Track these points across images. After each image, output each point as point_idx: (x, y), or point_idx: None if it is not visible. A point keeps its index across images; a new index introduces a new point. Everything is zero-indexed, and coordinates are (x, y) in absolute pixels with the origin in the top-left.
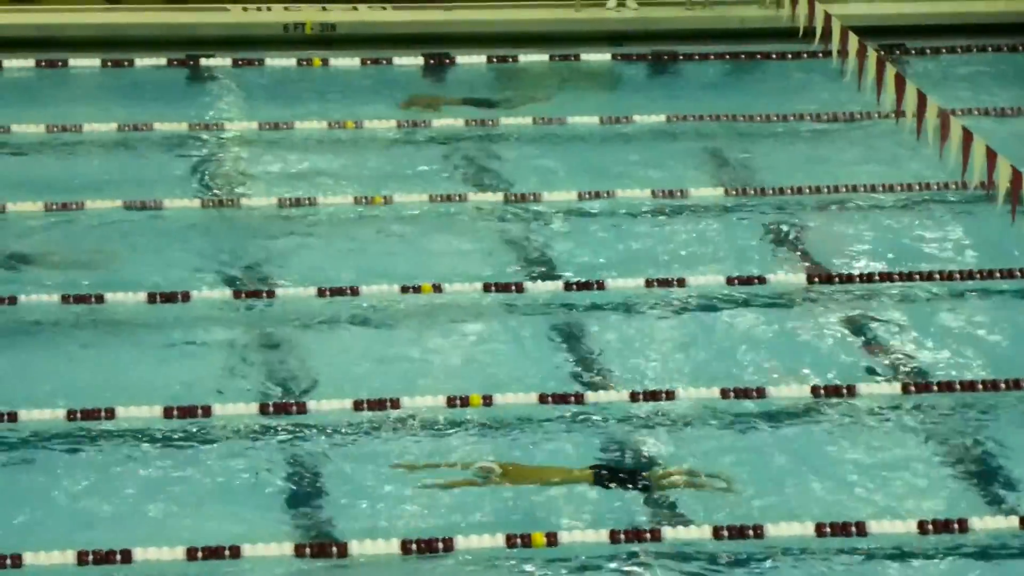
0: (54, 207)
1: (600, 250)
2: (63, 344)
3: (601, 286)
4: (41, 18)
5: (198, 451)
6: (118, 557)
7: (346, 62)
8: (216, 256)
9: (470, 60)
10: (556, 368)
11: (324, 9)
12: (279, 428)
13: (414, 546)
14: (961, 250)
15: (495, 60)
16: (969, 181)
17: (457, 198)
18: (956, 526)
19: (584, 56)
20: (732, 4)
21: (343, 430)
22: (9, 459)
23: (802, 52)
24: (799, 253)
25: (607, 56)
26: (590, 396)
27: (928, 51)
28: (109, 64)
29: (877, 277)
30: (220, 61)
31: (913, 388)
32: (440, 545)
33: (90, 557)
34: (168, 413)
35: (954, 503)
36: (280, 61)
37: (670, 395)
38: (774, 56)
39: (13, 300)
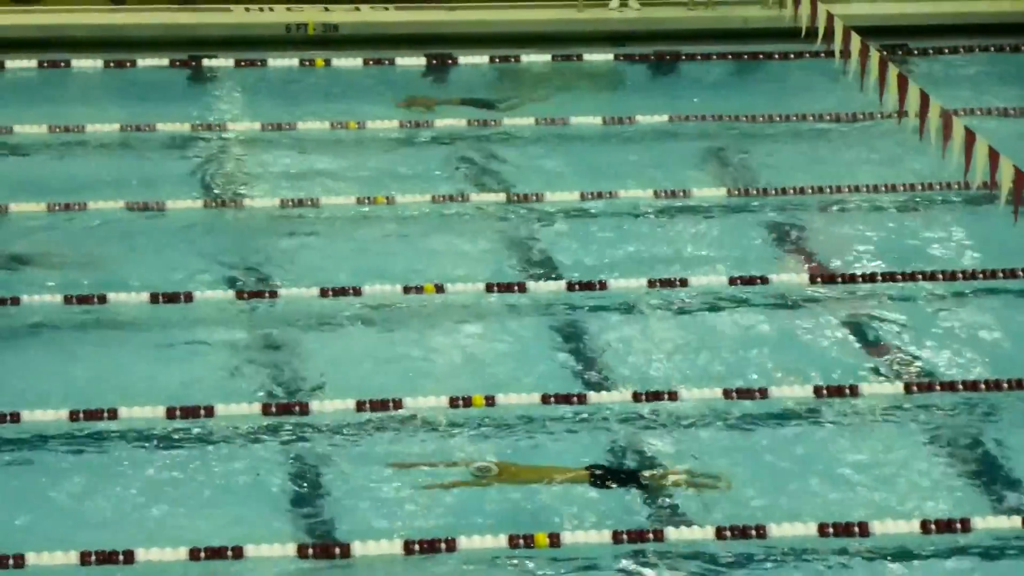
0: (56, 208)
1: (602, 250)
2: (66, 344)
3: (603, 286)
4: (43, 19)
5: (200, 451)
6: (120, 557)
7: (348, 62)
8: (218, 256)
9: (472, 60)
10: (558, 368)
11: (326, 9)
12: (282, 428)
13: (417, 546)
14: (964, 250)
15: (497, 60)
16: (971, 181)
17: (459, 198)
18: (959, 526)
19: (586, 56)
20: (735, 4)
21: (345, 430)
22: (12, 459)
23: (804, 52)
24: (802, 253)
25: (610, 56)
26: (592, 396)
27: (931, 51)
28: (111, 65)
29: (879, 277)
30: (222, 62)
31: (916, 388)
32: (443, 545)
33: (93, 557)
34: (171, 413)
35: (957, 503)
36: (282, 61)
37: (673, 395)
38: (776, 56)
39: (16, 301)
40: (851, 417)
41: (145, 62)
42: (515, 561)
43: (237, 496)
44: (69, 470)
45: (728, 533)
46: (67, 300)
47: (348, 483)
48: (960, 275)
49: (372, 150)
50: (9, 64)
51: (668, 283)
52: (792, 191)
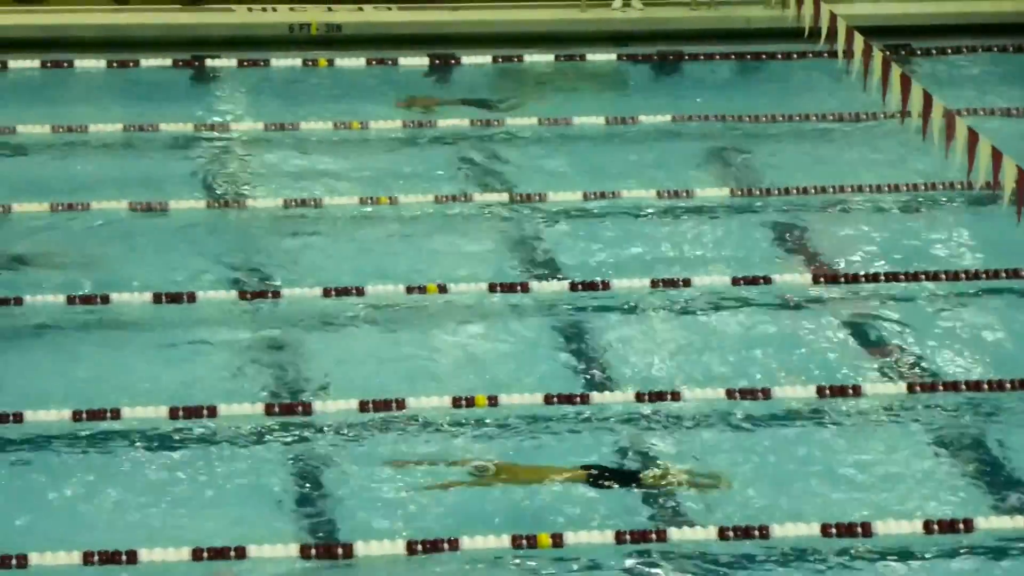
0: (59, 208)
1: (605, 250)
2: (69, 345)
3: (606, 286)
4: (46, 19)
5: (203, 452)
6: (123, 558)
7: (352, 62)
8: (221, 257)
9: (475, 60)
10: (561, 368)
11: (330, 10)
12: (285, 428)
13: (419, 547)
14: (967, 250)
15: (500, 60)
16: (974, 181)
17: (463, 198)
18: (962, 526)
19: (589, 56)
20: (738, 4)
21: (348, 431)
22: (14, 459)
23: (807, 52)
24: (804, 253)
25: (612, 56)
26: (596, 396)
27: (934, 51)
28: (114, 65)
29: (882, 277)
30: (225, 62)
31: (919, 388)
32: (445, 545)
33: (95, 557)
34: (174, 413)
35: (960, 503)
36: (285, 61)
37: (676, 396)
38: (779, 56)
39: (19, 301)
40: (854, 417)
41: (148, 62)
42: (517, 561)
43: (240, 496)
44: (71, 470)
45: (731, 533)
46: (70, 300)
47: (351, 483)
48: (963, 275)
49: (375, 150)
50: (12, 64)
51: (671, 283)
52: (795, 191)
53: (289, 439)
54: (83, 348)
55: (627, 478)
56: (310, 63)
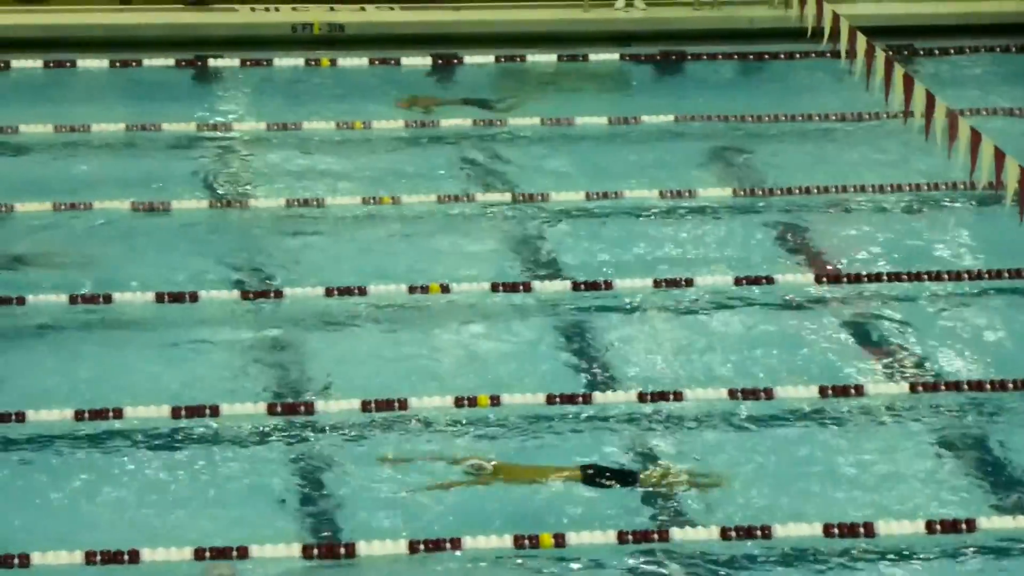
0: (61, 207)
1: (607, 250)
2: (71, 344)
3: (609, 286)
4: (49, 18)
5: (206, 451)
6: (126, 557)
7: (354, 62)
8: (223, 256)
9: (477, 60)
10: (563, 368)
11: (332, 9)
12: (287, 428)
13: (422, 546)
14: (969, 250)
15: (503, 60)
16: (977, 181)
17: (465, 198)
18: (964, 526)
19: (592, 56)
20: (740, 4)
21: (351, 430)
22: (17, 459)
23: (810, 52)
24: (807, 253)
25: (615, 56)
26: (598, 396)
27: (936, 51)
28: (117, 64)
29: (885, 277)
30: (228, 61)
31: (921, 388)
32: (447, 545)
33: (98, 557)
34: (176, 413)
35: (962, 503)
36: (288, 61)
37: (678, 396)
38: (782, 56)
39: (21, 301)
40: (856, 417)
41: (151, 62)
42: (520, 561)
43: (242, 496)
44: (74, 470)
45: (733, 533)
46: (72, 300)
47: (353, 483)
48: (965, 275)
49: (378, 150)
50: (15, 64)
51: (673, 283)
52: (797, 191)
53: (291, 439)
54: (85, 348)
55: (628, 478)
56: (312, 63)
